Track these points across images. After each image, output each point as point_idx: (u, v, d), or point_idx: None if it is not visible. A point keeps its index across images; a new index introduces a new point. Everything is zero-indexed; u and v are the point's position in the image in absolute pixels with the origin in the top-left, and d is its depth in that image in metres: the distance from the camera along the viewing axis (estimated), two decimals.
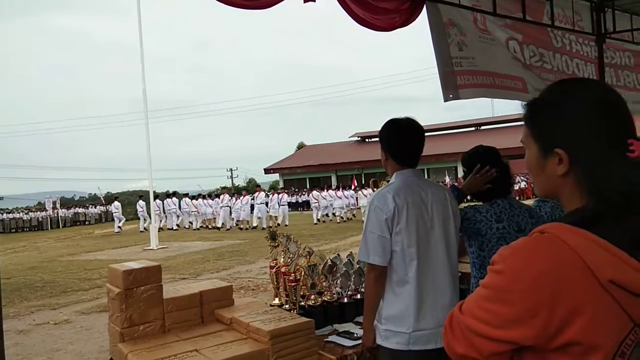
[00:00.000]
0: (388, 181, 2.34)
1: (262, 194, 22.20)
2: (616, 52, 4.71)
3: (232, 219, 21.71)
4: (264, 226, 20.06)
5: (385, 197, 2.12)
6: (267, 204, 21.84)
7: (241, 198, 21.80)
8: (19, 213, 36.87)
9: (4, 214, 35.84)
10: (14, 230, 33.91)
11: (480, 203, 2.41)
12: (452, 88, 3.57)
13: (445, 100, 3.60)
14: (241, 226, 21.16)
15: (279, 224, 21.25)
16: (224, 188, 38.46)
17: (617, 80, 4.65)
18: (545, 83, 4.16)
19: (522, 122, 1.02)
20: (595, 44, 4.47)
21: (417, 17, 3.34)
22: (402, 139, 2.23)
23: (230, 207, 21.74)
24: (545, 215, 2.60)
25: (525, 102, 1.00)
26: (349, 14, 3.08)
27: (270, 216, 21.66)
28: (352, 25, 3.12)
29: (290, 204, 37.82)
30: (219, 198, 22.77)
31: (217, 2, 2.42)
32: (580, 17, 4.41)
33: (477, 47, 3.67)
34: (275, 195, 23.10)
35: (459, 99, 3.63)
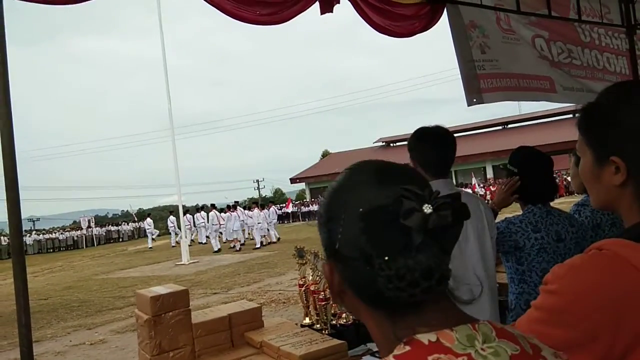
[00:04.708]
0: None
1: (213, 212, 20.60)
2: None
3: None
4: (215, 248, 18.69)
5: None
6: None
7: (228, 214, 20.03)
8: (55, 233, 37.93)
9: (40, 235, 36.86)
10: (50, 250, 34.85)
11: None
12: (475, 92, 3.47)
13: (469, 105, 3.51)
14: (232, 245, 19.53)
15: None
16: (250, 199, 38.68)
17: None
18: (576, 80, 4.01)
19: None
20: (626, 36, 4.30)
21: (437, 21, 3.25)
22: (431, 148, 2.13)
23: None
24: (586, 221, 2.44)
25: (580, 107, 0.93)
26: (368, 22, 3.01)
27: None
28: (372, 31, 3.05)
29: (314, 213, 37.95)
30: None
31: (234, 20, 2.40)
32: (608, 10, 4.25)
33: (500, 48, 3.56)
34: (255, 210, 19.93)
35: (483, 103, 3.54)
